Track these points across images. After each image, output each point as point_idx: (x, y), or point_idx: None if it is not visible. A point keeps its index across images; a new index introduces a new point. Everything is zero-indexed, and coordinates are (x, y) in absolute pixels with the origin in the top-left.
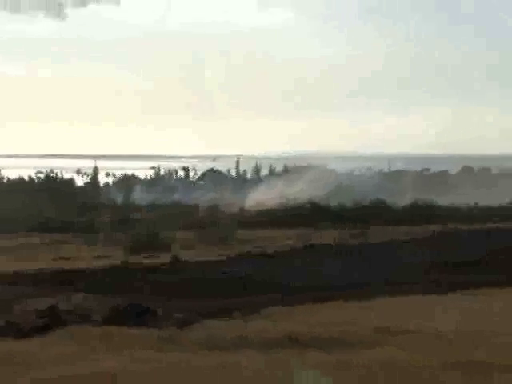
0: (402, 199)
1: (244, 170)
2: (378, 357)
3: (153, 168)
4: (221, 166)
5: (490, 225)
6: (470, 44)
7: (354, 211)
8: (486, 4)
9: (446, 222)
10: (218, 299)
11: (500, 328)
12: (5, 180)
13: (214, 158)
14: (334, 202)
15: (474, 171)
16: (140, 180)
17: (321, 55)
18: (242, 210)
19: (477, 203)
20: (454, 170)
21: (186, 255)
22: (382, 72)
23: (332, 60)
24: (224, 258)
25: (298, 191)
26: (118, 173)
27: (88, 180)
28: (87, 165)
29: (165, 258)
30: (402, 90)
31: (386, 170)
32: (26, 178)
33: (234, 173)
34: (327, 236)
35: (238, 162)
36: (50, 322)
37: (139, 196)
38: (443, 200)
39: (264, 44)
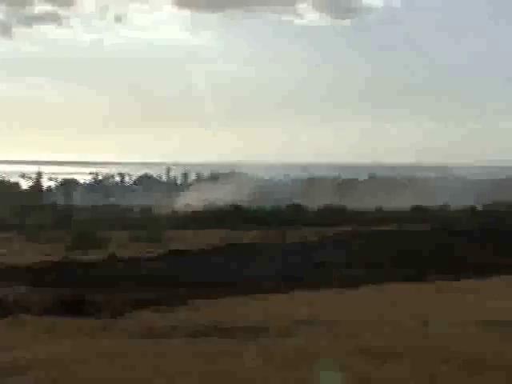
0: (316, 203)
1: (174, 176)
2: (293, 344)
3: (91, 173)
4: (153, 172)
5: (392, 227)
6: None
7: (272, 214)
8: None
9: (354, 224)
10: (148, 292)
11: (394, 318)
12: None
13: (148, 165)
14: (254, 206)
15: (380, 179)
16: (80, 184)
17: (246, 72)
18: (171, 212)
19: (381, 207)
20: (362, 177)
21: (121, 253)
22: (297, 88)
23: (255, 77)
24: (155, 255)
25: (222, 195)
26: (60, 177)
27: (32, 184)
28: (31, 170)
29: (102, 255)
30: (317, 106)
31: (302, 177)
32: None
33: (165, 178)
34: (248, 236)
35: (168, 169)
36: None
37: (79, 198)
38: (352, 204)
39: (193, 61)
